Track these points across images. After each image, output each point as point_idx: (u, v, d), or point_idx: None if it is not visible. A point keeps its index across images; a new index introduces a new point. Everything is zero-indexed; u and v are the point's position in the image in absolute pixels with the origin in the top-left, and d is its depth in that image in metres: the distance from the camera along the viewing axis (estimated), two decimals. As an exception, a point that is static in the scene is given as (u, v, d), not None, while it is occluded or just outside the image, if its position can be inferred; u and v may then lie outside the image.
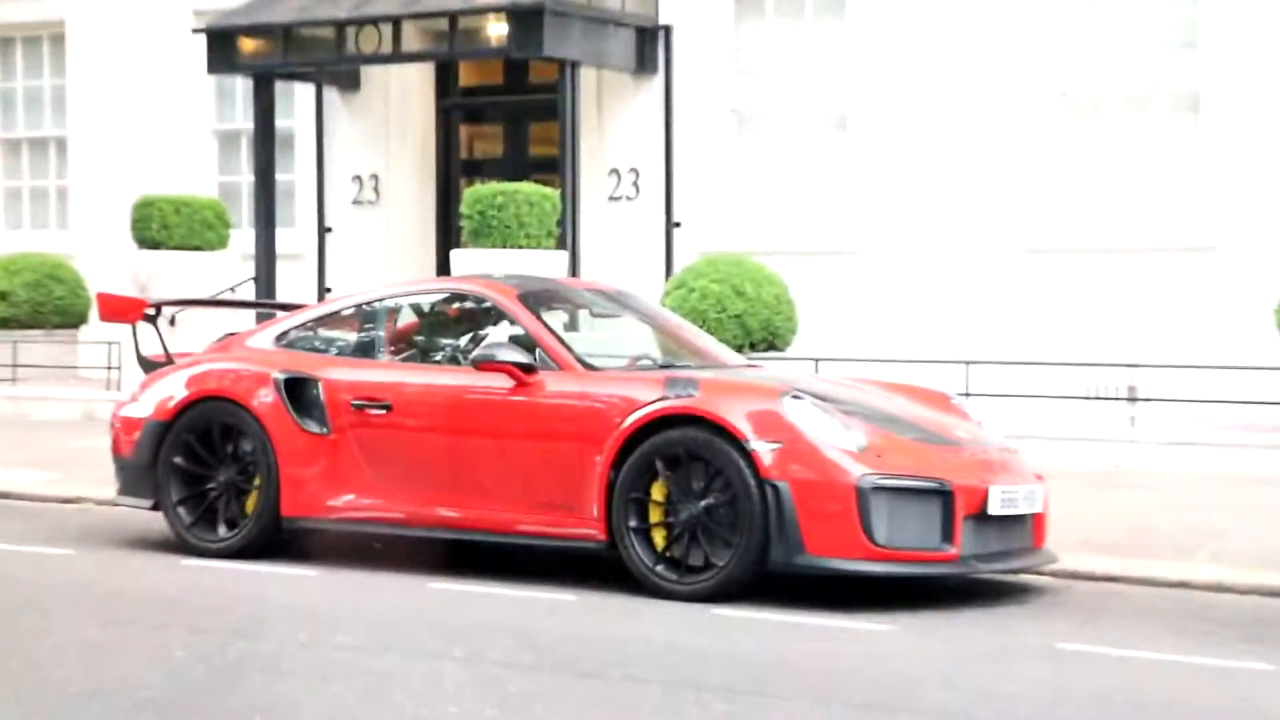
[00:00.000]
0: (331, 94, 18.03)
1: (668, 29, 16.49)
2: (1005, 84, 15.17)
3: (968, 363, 12.58)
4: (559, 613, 7.37)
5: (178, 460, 8.86)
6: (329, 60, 16.72)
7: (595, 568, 8.40)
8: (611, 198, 16.74)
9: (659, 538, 7.78)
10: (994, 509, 7.79)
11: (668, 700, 5.70)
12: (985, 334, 14.85)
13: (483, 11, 15.67)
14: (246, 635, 6.69)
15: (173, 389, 9.00)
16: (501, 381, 8.24)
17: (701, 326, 13.08)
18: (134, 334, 9.78)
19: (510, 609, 7.42)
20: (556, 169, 15.92)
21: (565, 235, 15.25)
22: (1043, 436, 11.39)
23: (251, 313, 14.25)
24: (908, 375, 10.84)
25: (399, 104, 17.84)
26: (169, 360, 9.45)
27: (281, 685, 5.83)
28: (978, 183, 15.29)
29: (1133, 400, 12.20)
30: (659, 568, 7.74)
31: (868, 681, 6.04)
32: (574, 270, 15.40)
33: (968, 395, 11.90)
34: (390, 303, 9.07)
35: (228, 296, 15.64)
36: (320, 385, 8.69)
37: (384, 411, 8.53)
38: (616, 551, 7.87)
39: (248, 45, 16.78)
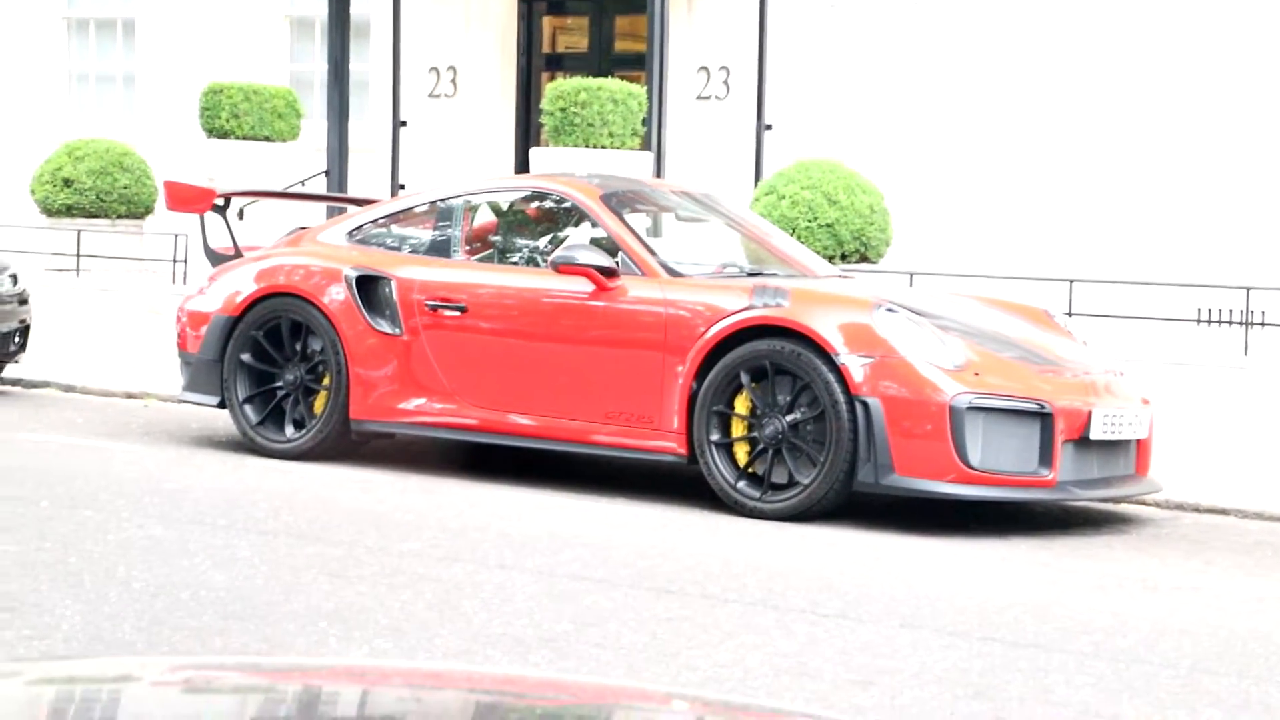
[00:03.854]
0: (410, -20, 17.96)
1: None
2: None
3: (1071, 280, 12.43)
4: (635, 527, 7.39)
5: (245, 357, 8.95)
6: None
7: (674, 482, 8.43)
8: (700, 97, 16.61)
9: (741, 453, 7.79)
10: (1096, 433, 7.73)
11: (748, 621, 5.71)
12: (1091, 250, 14.67)
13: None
14: (313, 539, 6.76)
15: (241, 283, 9.07)
16: (581, 285, 8.24)
17: (791, 234, 13.00)
18: (201, 225, 9.85)
19: (584, 521, 7.46)
20: (642, 65, 15.80)
21: (651, 135, 15.15)
22: (1150, 360, 11.28)
23: (322, 207, 14.31)
24: (1008, 291, 10.74)
25: (480, -8, 17.76)
26: (237, 253, 9.51)
27: (348, 591, 5.89)
28: (1087, 88, 15.05)
29: (1248, 324, 12.01)
30: (740, 484, 7.75)
31: (957, 608, 6.03)
32: (659, 172, 15.32)
33: (1071, 314, 11.78)
34: (467, 200, 9.07)
35: (298, 189, 15.69)
36: (393, 284, 8.72)
37: (458, 313, 8.55)
38: (696, 466, 7.89)
39: (324, -73, 16.75)
